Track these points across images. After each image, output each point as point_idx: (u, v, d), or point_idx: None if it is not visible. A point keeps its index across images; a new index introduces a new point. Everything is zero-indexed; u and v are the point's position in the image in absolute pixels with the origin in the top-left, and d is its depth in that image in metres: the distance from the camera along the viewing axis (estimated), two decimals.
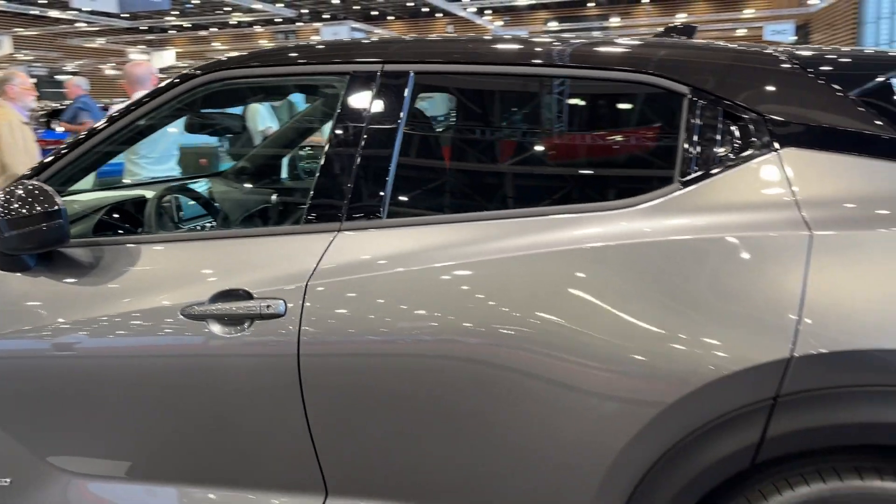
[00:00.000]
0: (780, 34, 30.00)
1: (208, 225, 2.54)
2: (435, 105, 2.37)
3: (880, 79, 1.66)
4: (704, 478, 1.53)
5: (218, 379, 1.78)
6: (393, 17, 52.95)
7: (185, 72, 2.01)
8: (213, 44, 47.40)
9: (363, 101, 1.82)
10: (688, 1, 42.04)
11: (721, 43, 1.80)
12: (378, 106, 1.81)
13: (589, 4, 46.33)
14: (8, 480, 1.99)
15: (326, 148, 1.83)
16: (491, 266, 1.65)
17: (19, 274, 1.92)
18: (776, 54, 1.71)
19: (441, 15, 49.94)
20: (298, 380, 1.71)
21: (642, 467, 1.56)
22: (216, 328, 1.75)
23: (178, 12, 38.59)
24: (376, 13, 51.76)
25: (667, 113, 1.71)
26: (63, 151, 2.02)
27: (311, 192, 1.82)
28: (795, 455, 1.52)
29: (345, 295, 1.70)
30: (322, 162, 1.82)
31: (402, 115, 1.79)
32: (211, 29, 46.40)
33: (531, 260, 1.63)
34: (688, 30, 2.15)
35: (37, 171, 2.02)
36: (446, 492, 1.72)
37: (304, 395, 1.72)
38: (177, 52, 37.44)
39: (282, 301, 1.71)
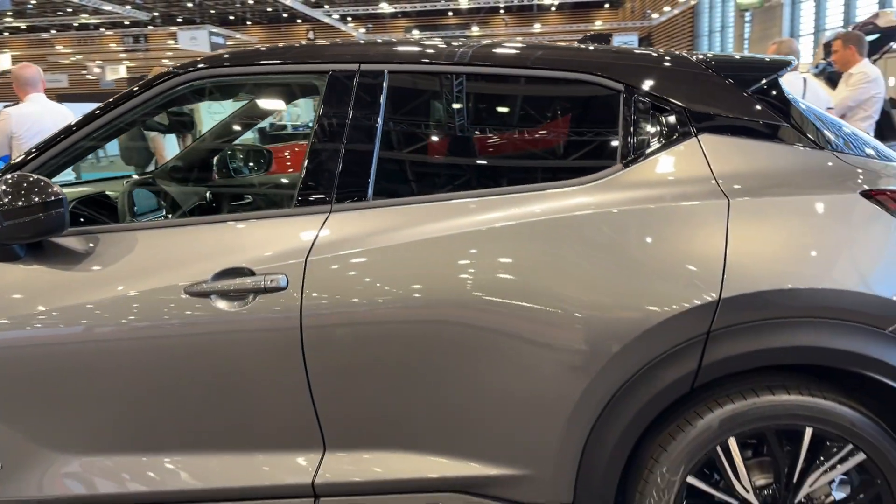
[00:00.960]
0: (626, 45, 31.90)
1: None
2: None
3: (767, 80, 2.07)
4: (655, 403, 1.87)
5: (223, 350, 1.94)
6: (251, 23, 51.88)
7: (165, 70, 2.15)
8: (56, 47, 44.68)
9: (344, 97, 2.04)
10: (543, 13, 43.92)
11: (646, 49, 2.16)
12: (359, 102, 2.04)
13: (449, 14, 47.37)
14: None
15: (313, 140, 2.04)
16: (470, 237, 1.92)
17: (9, 264, 1.99)
18: (692, 59, 2.10)
19: (301, 21, 49.49)
20: (301, 346, 1.91)
21: (603, 399, 1.88)
22: (221, 303, 1.91)
23: (13, 13, 36.11)
24: (233, 18, 50.53)
25: (608, 106, 2.05)
26: (44, 147, 2.10)
27: (302, 179, 2.02)
28: (723, 379, 1.89)
29: (342, 267, 1.91)
30: (309, 152, 2.03)
31: (380, 110, 2.03)
32: (52, 31, 43.73)
33: (504, 231, 1.91)
34: (604, 37, 2.51)
35: (18, 165, 2.09)
36: (433, 438, 1.97)
37: (305, 360, 1.92)
38: (13, 56, 34.98)
39: (283, 275, 1.91)
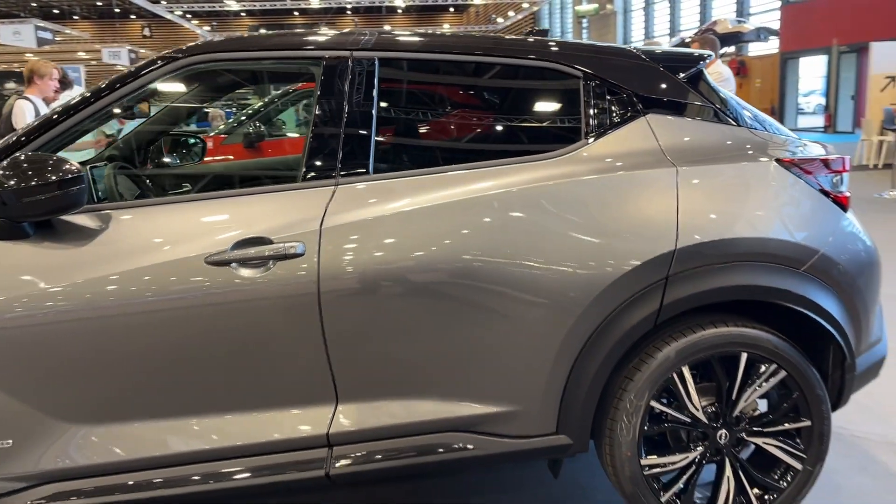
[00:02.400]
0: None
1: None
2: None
3: (694, 69, 2.48)
4: (624, 340, 2.22)
5: (243, 315, 2.09)
6: (79, 17, 48.80)
7: (165, 53, 2.25)
8: None
9: (340, 82, 2.24)
10: (391, 15, 44.43)
11: (599, 42, 2.52)
12: (355, 85, 2.25)
13: (295, 13, 46.81)
14: (10, 441, 2.07)
15: (315, 121, 2.22)
16: (462, 205, 2.18)
17: (19, 242, 2.03)
18: (635, 51, 2.47)
19: (135, 17, 47.15)
20: (318, 307, 2.10)
21: (582, 341, 2.20)
22: (241, 271, 2.06)
23: None
24: (58, 12, 47.34)
25: (572, 90, 2.37)
26: (46, 127, 2.14)
27: (307, 156, 2.20)
28: (678, 317, 2.27)
29: (352, 234, 2.12)
30: (313, 131, 2.21)
31: (374, 92, 2.25)
32: None
33: (491, 198, 2.19)
34: (543, 32, 2.85)
35: (22, 143, 2.12)
36: (435, 385, 2.21)
37: (322, 320, 2.11)
38: None
39: (300, 242, 2.09)
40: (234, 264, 2.07)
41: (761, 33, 7.71)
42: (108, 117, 2.31)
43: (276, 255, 2.08)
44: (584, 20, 32.45)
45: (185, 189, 2.97)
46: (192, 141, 3.53)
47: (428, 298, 2.15)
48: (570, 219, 2.21)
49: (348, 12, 47.55)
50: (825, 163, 2.40)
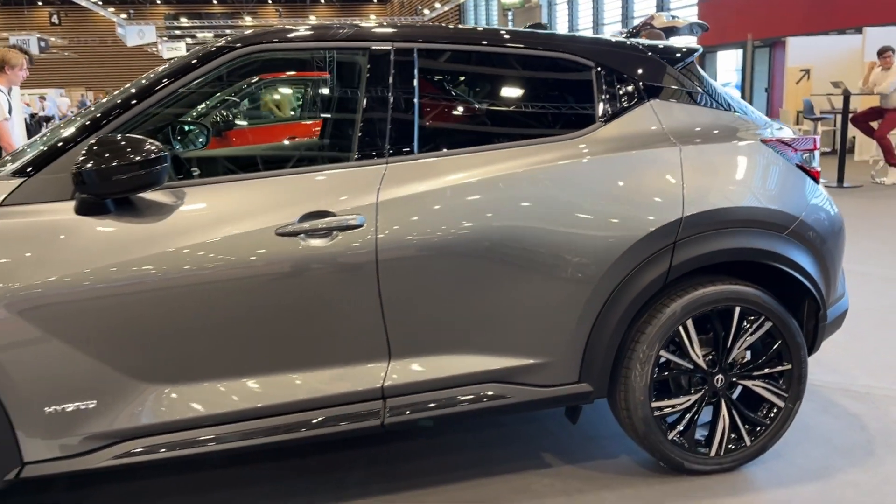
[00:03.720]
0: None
1: None
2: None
3: (687, 61, 2.82)
4: (639, 298, 2.54)
5: (309, 281, 2.30)
6: None
7: (221, 44, 2.43)
8: None
9: (385, 71, 2.48)
10: (314, 5, 44.03)
11: (608, 37, 2.82)
12: (397, 74, 2.48)
13: (213, 2, 45.84)
14: (94, 402, 2.24)
15: (364, 105, 2.45)
16: (498, 180, 2.45)
17: (103, 218, 2.19)
18: (637, 44, 2.78)
19: (42, 3, 45.25)
20: (376, 273, 2.34)
21: (603, 299, 2.52)
22: (309, 241, 2.28)
23: None
24: None
25: (586, 79, 2.67)
26: (113, 115, 2.30)
27: (359, 137, 2.43)
28: (683, 277, 2.60)
29: (405, 206, 2.36)
30: (363, 115, 2.44)
31: (414, 80, 2.50)
32: None
33: (522, 174, 2.48)
34: (542, 26, 3.13)
35: (92, 129, 2.27)
36: (477, 341, 2.48)
37: (380, 284, 2.35)
38: None
39: (360, 215, 2.32)
40: (301, 235, 2.28)
41: (694, 28, 8.28)
42: (171, 106, 2.46)
43: (340, 227, 2.30)
44: (510, 12, 33.01)
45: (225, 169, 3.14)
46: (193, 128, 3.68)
47: (471, 264, 2.42)
48: (590, 192, 2.51)
49: (269, 1, 46.89)
50: (799, 142, 2.78)
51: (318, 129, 3.45)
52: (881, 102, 9.55)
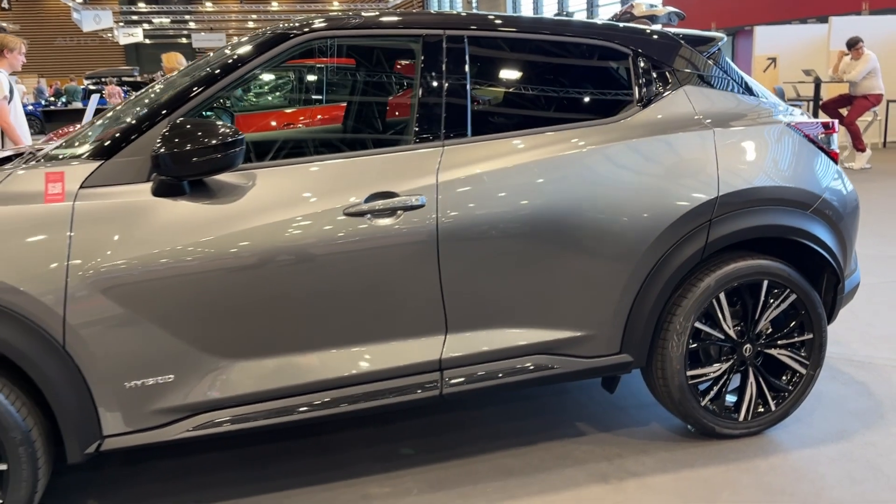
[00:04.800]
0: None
1: None
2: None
3: (715, 48, 2.98)
4: (677, 273, 2.70)
5: (375, 258, 2.41)
6: None
7: (281, 31, 2.51)
8: None
9: (438, 57, 2.58)
10: None
11: (640, 26, 2.96)
12: (449, 60, 2.59)
13: None
14: (171, 376, 2.32)
15: (421, 90, 2.55)
16: (546, 162, 2.58)
17: (179, 199, 2.27)
18: (670, 32, 2.93)
19: None
20: (437, 250, 2.45)
21: (645, 274, 2.67)
22: (375, 221, 2.39)
23: None
24: None
25: (625, 65, 2.81)
26: (184, 99, 2.37)
27: (416, 121, 2.53)
28: (717, 253, 2.76)
29: (463, 187, 2.48)
30: (419, 100, 2.55)
31: (465, 66, 2.61)
32: None
33: (569, 156, 2.61)
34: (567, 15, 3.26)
35: (164, 113, 2.34)
36: (527, 315, 2.61)
37: (440, 261, 2.46)
38: None
39: (421, 195, 2.43)
40: (368, 215, 2.39)
41: (671, 16, 8.52)
42: (231, 92, 2.54)
43: (403, 206, 2.41)
44: (474, 0, 33.11)
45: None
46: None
47: (523, 242, 2.55)
48: (632, 174, 2.66)
49: None
50: (819, 125, 2.96)
51: (342, 113, 3.55)
52: (850, 90, 9.90)
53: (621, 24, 2.89)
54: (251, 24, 47.05)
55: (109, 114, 2.77)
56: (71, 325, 2.16)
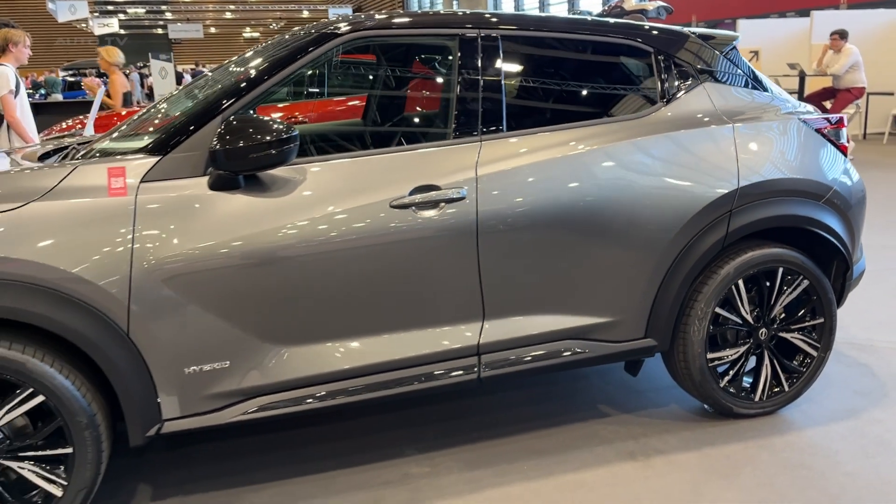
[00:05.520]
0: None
1: None
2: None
3: (730, 47, 3.12)
4: (700, 261, 2.84)
5: (419, 249, 2.52)
6: None
7: (325, 31, 2.61)
8: None
9: (474, 55, 2.70)
10: None
11: (661, 24, 3.10)
12: (485, 58, 2.71)
13: None
14: (228, 362, 2.42)
15: (459, 87, 2.67)
16: (578, 156, 2.71)
17: (234, 192, 2.36)
18: (689, 31, 3.07)
19: None
20: (476, 240, 2.57)
21: (669, 262, 2.81)
22: (419, 213, 2.50)
23: None
24: None
25: (648, 63, 2.95)
26: (236, 96, 2.46)
27: (455, 117, 2.65)
28: (736, 242, 2.91)
29: (501, 180, 2.60)
30: (458, 96, 2.66)
31: (499, 64, 2.72)
32: None
33: (598, 151, 2.74)
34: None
35: (218, 110, 2.43)
36: (560, 302, 2.75)
37: (479, 251, 2.58)
38: None
39: (462, 188, 2.55)
40: (413, 207, 2.50)
41: (660, 10, 8.72)
42: (278, 90, 2.62)
43: (446, 199, 2.53)
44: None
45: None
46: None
47: (556, 232, 2.68)
48: (659, 167, 2.79)
49: None
50: (830, 120, 3.12)
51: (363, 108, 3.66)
52: (833, 83, 10.14)
53: (644, 24, 3.02)
54: (228, 15, 46.71)
55: (153, 108, 2.85)
56: (135, 314, 2.26)
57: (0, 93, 5.47)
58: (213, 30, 47.23)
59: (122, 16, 42.57)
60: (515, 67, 2.78)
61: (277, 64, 2.53)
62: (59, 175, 2.29)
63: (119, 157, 2.41)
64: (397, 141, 3.23)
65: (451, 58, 2.73)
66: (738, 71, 3.09)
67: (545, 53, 2.96)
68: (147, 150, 2.40)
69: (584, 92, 2.97)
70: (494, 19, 2.78)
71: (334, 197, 2.47)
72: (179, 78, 21.18)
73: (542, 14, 2.88)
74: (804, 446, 2.87)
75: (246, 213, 2.38)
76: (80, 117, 8.14)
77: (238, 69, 2.75)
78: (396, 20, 2.71)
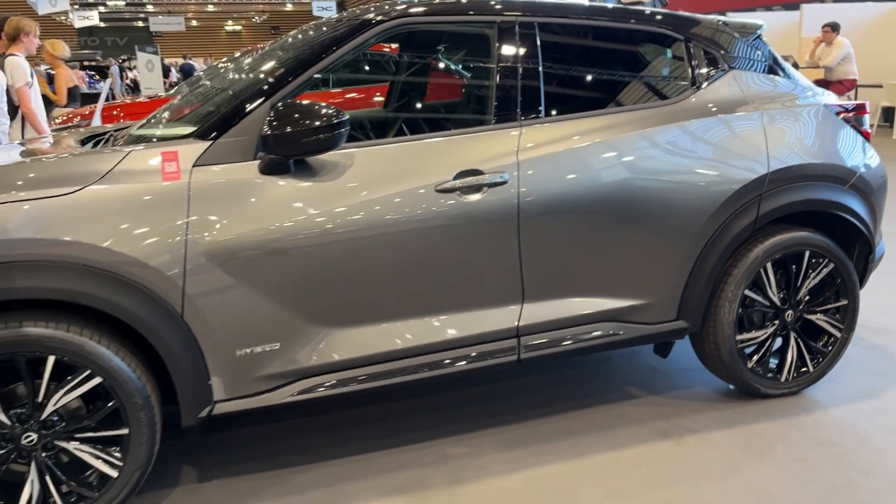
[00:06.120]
0: (326, 10, 32.42)
1: None
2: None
3: (756, 35, 3.18)
4: (731, 244, 2.90)
5: (463, 232, 2.56)
6: None
7: (367, 17, 2.63)
8: None
9: (511, 41, 2.74)
10: None
11: (688, 13, 3.15)
12: (523, 44, 2.75)
13: None
14: (277, 344, 2.45)
15: (499, 73, 2.71)
16: (613, 142, 2.76)
17: (284, 176, 2.39)
18: (717, 20, 3.12)
19: None
20: (517, 224, 2.62)
21: (702, 246, 2.87)
22: (464, 197, 2.54)
23: None
24: None
25: (679, 51, 3.00)
26: (284, 84, 2.48)
27: (496, 103, 2.69)
28: (764, 227, 2.98)
29: (544, 164, 2.64)
30: (498, 82, 2.70)
31: (537, 50, 2.77)
32: None
33: (634, 136, 2.79)
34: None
35: (266, 95, 2.46)
36: (596, 285, 2.80)
37: (520, 234, 2.63)
38: None
39: (504, 172, 2.59)
40: (457, 192, 2.54)
41: (656, 3, 8.93)
42: (321, 76, 2.65)
43: (489, 183, 2.57)
44: None
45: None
46: None
47: (594, 216, 2.73)
48: (692, 152, 2.85)
49: None
50: (854, 107, 3.19)
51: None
52: (826, 75, 10.28)
53: (674, 12, 3.08)
54: (210, 8, 46.32)
55: (189, 94, 2.86)
56: (189, 297, 2.29)
57: (17, 84, 5.44)
58: (194, 23, 46.82)
59: (102, 8, 42.09)
60: (552, 54, 2.81)
61: (322, 50, 2.56)
62: (114, 159, 2.31)
63: (169, 141, 2.43)
64: (437, 127, 3.27)
65: (489, 44, 2.77)
66: (764, 58, 3.15)
67: (580, 41, 3.01)
68: (196, 136, 2.42)
69: (617, 79, 3.02)
70: (530, 6, 2.82)
71: (380, 181, 2.50)
72: (167, 71, 21.01)
73: (576, 2, 2.93)
74: (831, 424, 2.95)
75: (296, 197, 2.40)
76: (69, 110, 8.04)
77: (282, 55, 2.77)
78: (437, 7, 2.74)
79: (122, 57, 30.55)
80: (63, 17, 38.98)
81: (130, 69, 25.89)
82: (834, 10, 12.41)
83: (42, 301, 2.21)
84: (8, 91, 5.40)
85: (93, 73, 21.39)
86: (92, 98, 12.32)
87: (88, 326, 2.24)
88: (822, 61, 10.17)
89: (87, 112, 7.32)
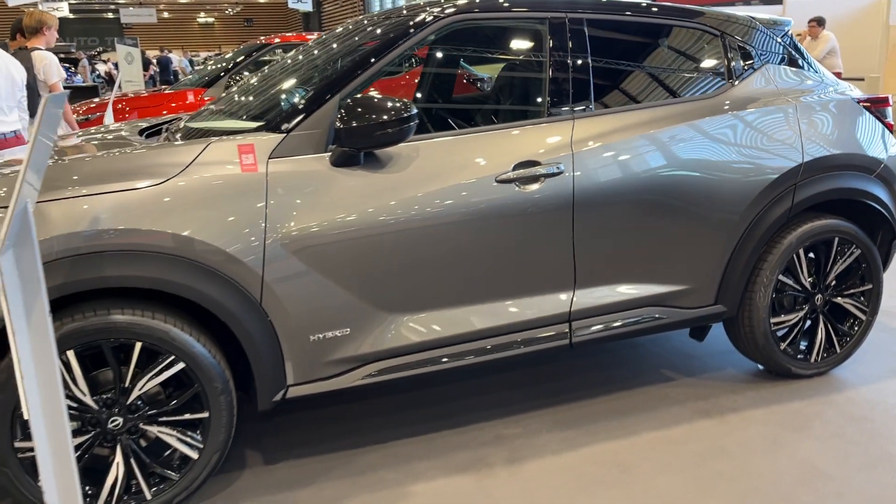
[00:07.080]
0: (302, 3, 32.19)
1: None
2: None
3: (785, 31, 3.32)
4: (768, 231, 3.04)
5: (521, 221, 2.66)
6: None
7: (425, 15, 2.72)
8: None
9: (562, 37, 2.84)
10: None
11: (720, 9, 3.28)
12: (573, 40, 2.85)
13: None
14: (348, 329, 2.54)
15: (551, 68, 2.81)
16: (660, 134, 2.88)
17: (354, 168, 2.47)
18: (749, 17, 3.25)
19: None
20: (571, 213, 2.73)
21: (740, 233, 3.00)
22: (521, 187, 2.64)
23: None
24: None
25: (716, 46, 3.12)
26: (352, 79, 2.56)
27: (549, 97, 2.79)
28: (798, 214, 3.12)
29: (596, 155, 2.75)
30: (550, 76, 2.80)
31: (586, 46, 2.87)
32: None
33: (682, 129, 2.91)
34: None
35: (336, 90, 2.53)
36: (643, 272, 2.91)
37: (574, 223, 2.74)
38: None
39: (560, 164, 2.70)
40: (516, 182, 2.64)
41: None
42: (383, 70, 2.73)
43: (546, 174, 2.68)
44: None
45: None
46: None
47: (642, 205, 2.84)
48: (732, 144, 2.98)
49: None
50: (877, 100, 3.34)
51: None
52: None
53: (710, 9, 3.20)
54: (182, 0, 45.81)
55: (245, 87, 2.93)
56: (268, 285, 2.36)
57: (51, 80, 5.39)
58: (166, 14, 46.27)
59: (72, 1, 41.42)
60: (600, 49, 2.92)
61: (388, 45, 2.64)
62: (195, 151, 2.37)
63: (243, 134, 2.50)
64: (497, 119, 3.37)
65: (542, 40, 2.86)
66: (793, 53, 3.29)
67: (626, 36, 3.12)
68: (268, 128, 2.49)
69: (659, 73, 3.13)
70: (580, 4, 2.92)
71: (444, 173, 2.59)
72: (147, 64, 20.81)
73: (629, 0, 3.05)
74: (862, 401, 3.11)
75: (367, 188, 2.49)
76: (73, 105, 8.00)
77: (344, 50, 2.85)
78: (492, 4, 2.83)
79: (99, 49, 30.14)
80: (32, 9, 38.32)
81: (104, 62, 25.56)
82: (816, 5, 12.66)
83: (124, 290, 2.27)
84: (30, 85, 5.37)
85: (68, 66, 21.13)
86: (75, 91, 12.20)
87: (171, 314, 2.31)
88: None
89: (93, 106, 7.28)
